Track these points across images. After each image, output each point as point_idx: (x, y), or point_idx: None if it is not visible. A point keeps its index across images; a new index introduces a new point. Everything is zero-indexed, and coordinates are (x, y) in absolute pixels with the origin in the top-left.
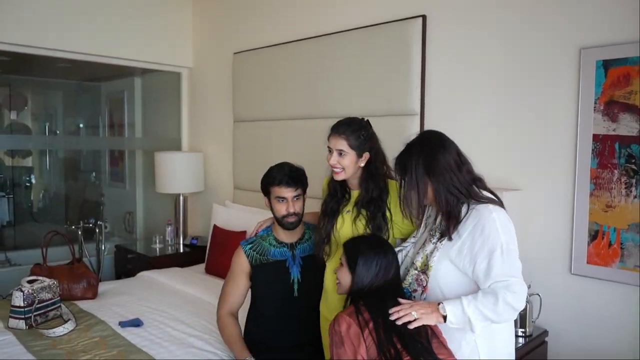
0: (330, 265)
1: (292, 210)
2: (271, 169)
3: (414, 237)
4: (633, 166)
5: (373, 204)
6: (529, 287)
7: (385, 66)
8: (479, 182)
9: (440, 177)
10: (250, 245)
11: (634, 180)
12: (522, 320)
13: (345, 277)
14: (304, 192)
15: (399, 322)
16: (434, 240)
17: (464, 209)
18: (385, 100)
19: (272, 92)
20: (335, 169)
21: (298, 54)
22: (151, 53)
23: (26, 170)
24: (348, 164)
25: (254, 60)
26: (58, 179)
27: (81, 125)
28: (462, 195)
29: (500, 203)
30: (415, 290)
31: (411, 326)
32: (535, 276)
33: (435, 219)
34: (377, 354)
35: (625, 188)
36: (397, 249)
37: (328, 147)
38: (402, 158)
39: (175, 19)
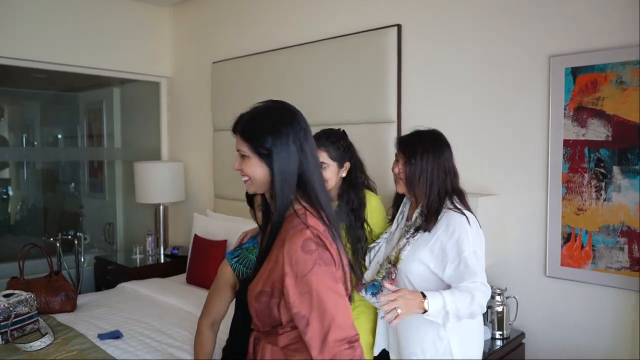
0: None
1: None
2: None
3: (386, 233)
4: (602, 170)
5: (354, 215)
6: (505, 289)
7: (362, 74)
8: (461, 194)
9: (441, 173)
10: (237, 259)
11: (603, 184)
12: (499, 322)
13: None
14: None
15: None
16: (408, 236)
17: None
18: (363, 108)
19: (251, 101)
20: None
21: (276, 63)
22: (130, 63)
23: (3, 182)
24: (331, 175)
25: (232, 69)
26: (36, 191)
27: (59, 136)
28: (446, 197)
29: (472, 216)
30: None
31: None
32: (512, 279)
33: (409, 217)
34: None
35: (596, 191)
36: (370, 246)
37: None
38: (411, 140)
39: (155, 29)
